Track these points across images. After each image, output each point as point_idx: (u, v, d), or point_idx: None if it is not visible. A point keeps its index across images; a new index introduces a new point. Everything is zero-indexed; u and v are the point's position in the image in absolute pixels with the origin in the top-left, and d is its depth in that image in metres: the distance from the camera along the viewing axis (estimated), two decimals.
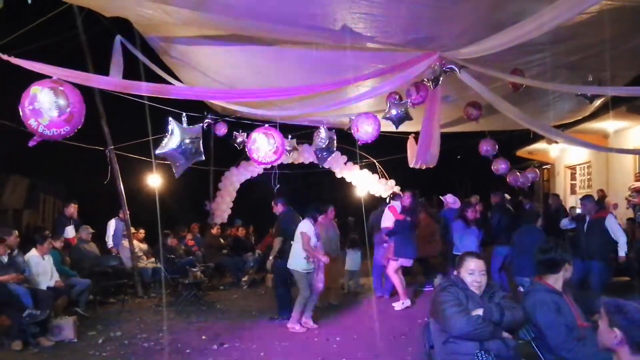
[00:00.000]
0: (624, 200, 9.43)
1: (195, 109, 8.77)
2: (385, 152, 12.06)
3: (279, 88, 6.13)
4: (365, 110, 6.78)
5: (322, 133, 7.26)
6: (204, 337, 5.95)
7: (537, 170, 12.34)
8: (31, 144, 3.71)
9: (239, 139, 8.98)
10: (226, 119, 9.81)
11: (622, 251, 6.38)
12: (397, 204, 7.62)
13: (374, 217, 8.45)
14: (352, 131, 6.49)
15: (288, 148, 8.52)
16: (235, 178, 12.15)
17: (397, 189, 11.45)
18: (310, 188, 15.86)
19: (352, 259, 8.61)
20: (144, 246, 9.25)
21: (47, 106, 3.54)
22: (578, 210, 7.95)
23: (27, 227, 9.37)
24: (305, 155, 11.37)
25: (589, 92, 6.02)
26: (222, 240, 10.59)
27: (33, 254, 6.22)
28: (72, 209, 8.24)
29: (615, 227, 6.42)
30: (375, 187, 12.20)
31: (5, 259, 5.84)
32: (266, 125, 6.25)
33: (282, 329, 6.23)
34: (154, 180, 9.56)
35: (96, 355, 5.29)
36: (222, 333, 6.10)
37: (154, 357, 5.26)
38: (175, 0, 4.22)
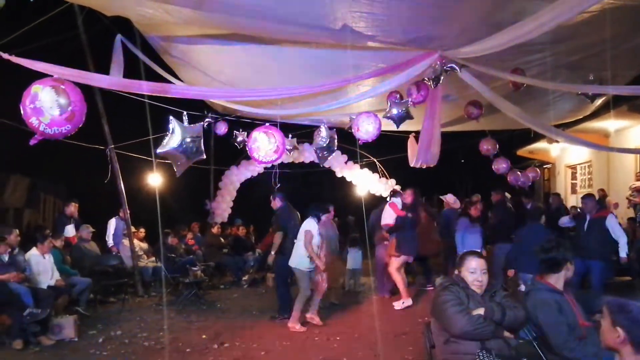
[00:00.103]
0: (625, 200, 9.43)
1: (195, 108, 8.80)
2: (385, 152, 12.05)
3: (279, 87, 6.13)
4: (365, 109, 6.78)
5: (323, 132, 7.27)
6: (204, 336, 5.95)
7: (538, 170, 12.34)
8: (32, 142, 3.70)
9: (240, 138, 8.99)
10: (227, 118, 9.82)
11: (623, 252, 6.35)
12: (397, 201, 7.62)
13: (374, 217, 8.45)
14: (353, 130, 6.49)
15: (289, 147, 8.53)
16: (235, 177, 12.15)
17: (397, 187, 11.44)
18: (311, 187, 15.87)
19: (354, 258, 8.62)
20: (145, 245, 9.25)
21: (49, 105, 3.54)
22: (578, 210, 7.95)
23: (28, 226, 9.36)
24: (306, 155, 11.36)
25: (589, 91, 6.02)
26: (222, 240, 10.59)
27: (34, 252, 6.23)
28: (73, 208, 8.25)
29: (615, 227, 6.41)
30: (376, 187, 12.20)
31: (6, 257, 5.85)
32: (267, 124, 6.25)
33: (283, 328, 6.23)
34: (155, 180, 9.55)
35: (97, 354, 5.30)
36: (223, 332, 6.10)
37: (154, 356, 5.26)
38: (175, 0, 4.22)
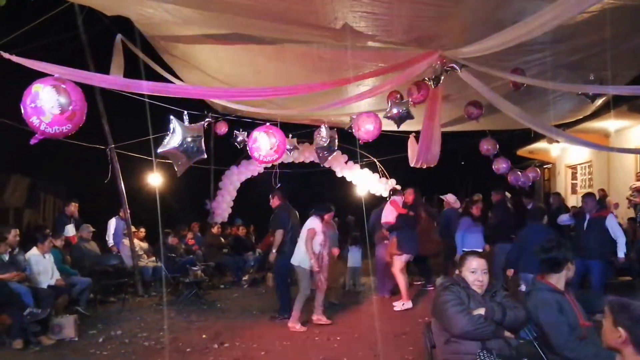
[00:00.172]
0: (625, 200, 9.43)
1: (195, 108, 8.78)
2: (385, 152, 12.05)
3: (279, 87, 6.12)
4: (366, 109, 6.78)
5: (323, 132, 7.26)
6: (204, 336, 5.95)
7: (538, 170, 12.34)
8: (32, 142, 3.69)
9: (240, 138, 8.99)
10: (227, 117, 9.82)
11: (621, 252, 6.35)
12: (398, 199, 7.61)
13: (374, 216, 8.45)
14: (353, 130, 6.49)
15: (289, 147, 8.53)
16: (235, 177, 12.14)
17: (397, 187, 11.44)
18: (311, 187, 15.87)
19: (354, 256, 8.62)
20: (145, 245, 9.25)
21: (49, 104, 3.53)
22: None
23: (28, 226, 9.37)
24: (306, 154, 11.36)
25: (590, 91, 6.01)
26: (222, 239, 10.59)
27: (34, 252, 6.23)
28: (73, 208, 8.25)
29: (615, 227, 6.41)
30: (376, 187, 12.20)
31: (6, 257, 5.85)
32: (267, 124, 6.25)
33: (283, 328, 6.23)
34: (155, 179, 9.56)
35: (97, 354, 5.29)
36: (223, 332, 6.10)
37: (154, 356, 5.25)
38: None
